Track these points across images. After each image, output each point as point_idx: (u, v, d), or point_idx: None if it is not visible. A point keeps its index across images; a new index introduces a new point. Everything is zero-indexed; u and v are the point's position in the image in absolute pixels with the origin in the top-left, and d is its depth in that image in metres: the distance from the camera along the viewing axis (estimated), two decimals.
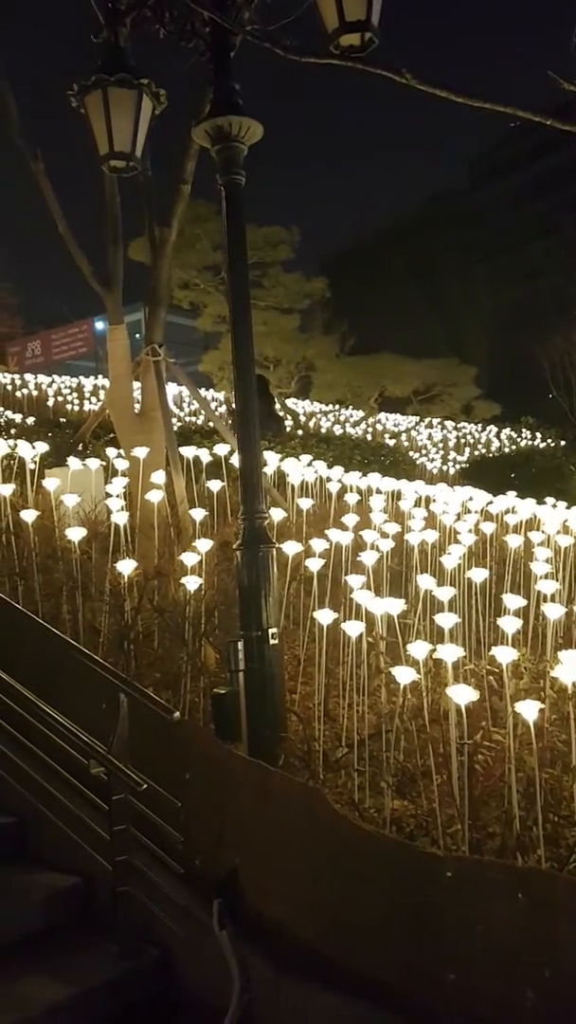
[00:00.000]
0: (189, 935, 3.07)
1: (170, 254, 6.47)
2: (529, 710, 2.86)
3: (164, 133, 5.72)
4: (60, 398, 15.54)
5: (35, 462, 5.71)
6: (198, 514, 4.98)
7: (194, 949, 3.06)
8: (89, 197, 6.73)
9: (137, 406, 6.64)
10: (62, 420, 11.17)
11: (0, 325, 26.90)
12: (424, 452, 16.10)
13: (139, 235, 8.15)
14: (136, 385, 6.76)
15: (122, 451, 6.29)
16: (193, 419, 13.33)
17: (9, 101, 6.39)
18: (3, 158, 7.49)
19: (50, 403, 15.04)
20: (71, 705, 3.52)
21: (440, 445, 17.59)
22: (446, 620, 3.61)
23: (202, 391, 14.94)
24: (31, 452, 5.74)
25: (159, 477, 5.40)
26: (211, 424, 8.22)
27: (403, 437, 17.94)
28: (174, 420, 10.34)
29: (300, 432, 12.78)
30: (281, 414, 13.30)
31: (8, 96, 6.38)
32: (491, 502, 6.43)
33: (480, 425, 21.70)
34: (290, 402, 19.39)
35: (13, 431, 8.81)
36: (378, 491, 6.46)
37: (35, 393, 15.42)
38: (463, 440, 19.03)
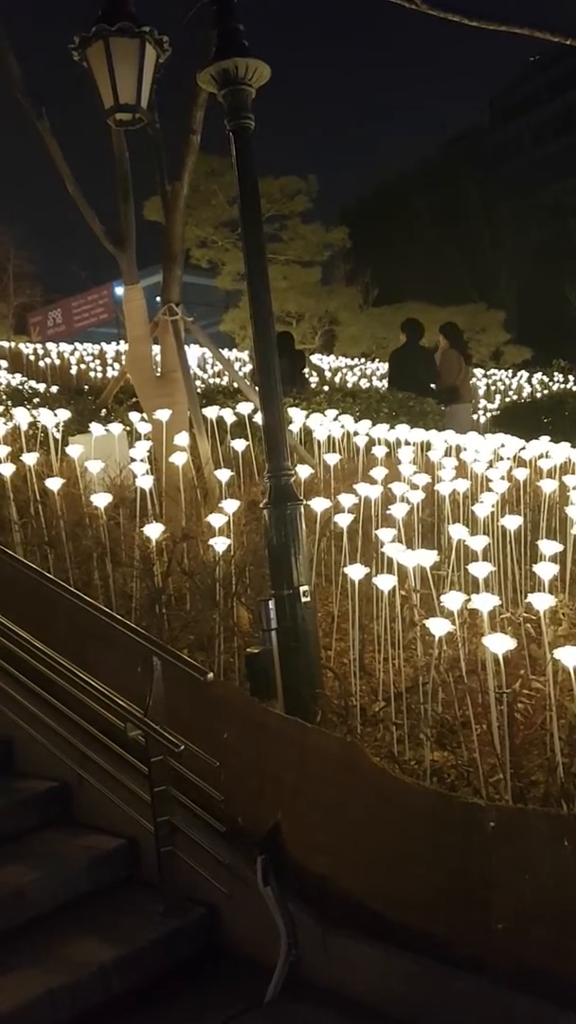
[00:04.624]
0: (233, 893, 3.08)
1: (182, 208, 6.33)
2: (569, 656, 2.79)
3: (171, 84, 5.57)
4: (83, 366, 15.50)
5: (59, 429, 5.68)
6: (224, 475, 4.93)
7: (239, 906, 3.08)
8: (99, 155, 6.60)
9: (158, 369, 6.56)
10: (85, 387, 11.14)
11: (20, 295, 26.79)
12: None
13: (154, 194, 8.01)
14: (156, 348, 6.68)
15: (144, 415, 6.23)
16: (217, 380, 13.22)
17: (10, 59, 6.24)
18: (11, 120, 7.36)
19: (73, 371, 15.02)
20: (106, 670, 3.52)
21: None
22: (480, 569, 3.53)
23: (224, 351, 14.80)
24: (53, 420, 5.71)
25: (182, 439, 5.34)
26: (234, 384, 8.13)
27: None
28: (198, 382, 10.28)
29: (325, 388, 12.62)
30: (305, 371, 13.12)
31: (8, 54, 6.22)
32: (524, 448, 6.28)
33: (510, 371, 21.27)
34: (315, 358, 19.15)
35: (37, 400, 8.79)
36: (407, 443, 6.35)
37: (58, 362, 15.40)
38: (493, 387, 18.66)
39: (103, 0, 4.65)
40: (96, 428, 5.64)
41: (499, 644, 2.88)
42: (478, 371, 20.41)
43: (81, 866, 3.34)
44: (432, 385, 10.39)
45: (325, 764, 2.97)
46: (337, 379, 16.38)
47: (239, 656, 3.78)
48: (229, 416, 6.26)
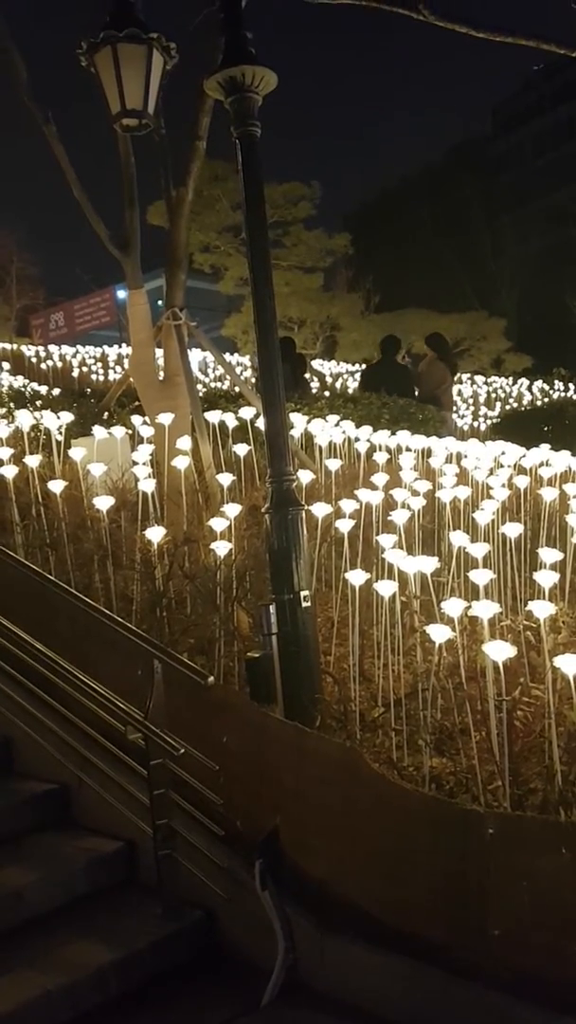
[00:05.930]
0: (231, 896, 3.09)
1: (187, 214, 6.35)
2: (568, 664, 2.80)
3: (178, 89, 5.59)
4: (85, 368, 15.53)
5: (61, 432, 5.69)
6: (225, 479, 4.94)
7: (237, 910, 3.09)
8: (104, 159, 6.63)
9: (161, 373, 6.58)
10: (87, 390, 11.16)
11: (22, 297, 26.80)
12: (454, 409, 15.81)
13: (159, 199, 8.04)
14: (159, 352, 6.70)
15: (147, 418, 6.25)
16: (218, 384, 13.24)
17: (16, 62, 6.26)
18: (17, 122, 7.38)
19: (75, 374, 15.04)
20: (107, 673, 3.53)
21: (470, 401, 17.30)
22: (481, 576, 3.55)
23: (226, 356, 14.81)
24: (56, 422, 5.73)
25: (185, 443, 5.36)
26: (236, 388, 8.15)
27: None
28: (200, 386, 10.29)
29: (327, 393, 12.65)
30: (307, 376, 13.17)
31: (15, 57, 6.25)
32: (524, 456, 6.30)
33: (511, 379, 21.28)
34: (316, 363, 19.18)
35: (39, 403, 8.80)
36: (408, 449, 6.36)
37: (59, 364, 15.42)
38: (494, 395, 18.69)
39: (111, 6, 4.68)
40: (99, 431, 5.65)
41: (499, 651, 2.89)
42: (479, 378, 20.47)
43: (80, 868, 3.35)
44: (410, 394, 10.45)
45: (324, 769, 2.98)
46: (338, 385, 16.40)
47: (239, 660, 3.79)
48: (231, 420, 6.28)
